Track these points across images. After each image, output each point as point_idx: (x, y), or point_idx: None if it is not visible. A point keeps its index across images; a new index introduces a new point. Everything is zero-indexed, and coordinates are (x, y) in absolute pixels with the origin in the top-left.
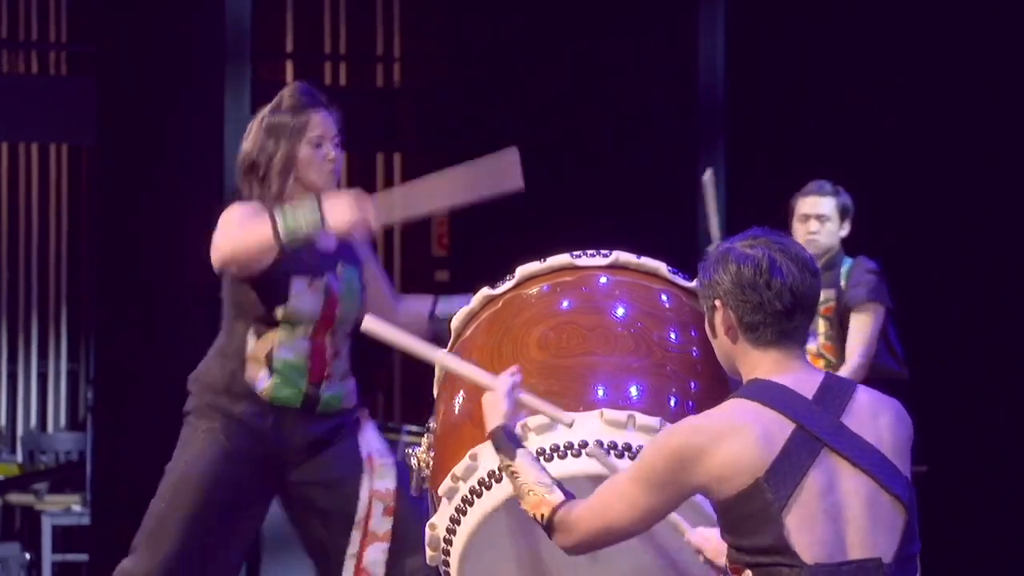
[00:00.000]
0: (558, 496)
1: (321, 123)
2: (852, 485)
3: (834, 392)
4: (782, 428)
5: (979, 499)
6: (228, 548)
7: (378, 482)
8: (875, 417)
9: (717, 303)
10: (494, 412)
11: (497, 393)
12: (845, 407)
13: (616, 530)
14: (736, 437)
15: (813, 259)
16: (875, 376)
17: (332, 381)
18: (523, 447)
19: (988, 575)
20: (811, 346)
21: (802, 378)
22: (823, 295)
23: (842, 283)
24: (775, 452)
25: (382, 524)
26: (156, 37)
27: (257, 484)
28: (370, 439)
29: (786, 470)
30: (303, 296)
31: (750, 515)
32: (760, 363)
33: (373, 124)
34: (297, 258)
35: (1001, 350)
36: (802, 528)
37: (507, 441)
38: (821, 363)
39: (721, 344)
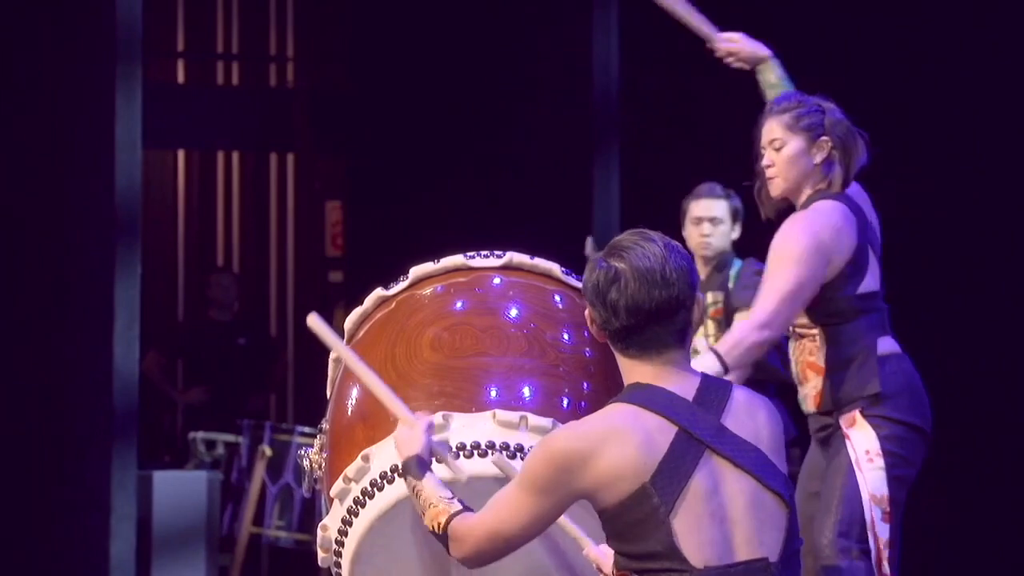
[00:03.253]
0: (456, 507)
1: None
2: (736, 486)
3: (712, 393)
4: (664, 432)
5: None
6: None
7: None
8: (752, 415)
9: (587, 308)
10: (410, 444)
11: (416, 430)
12: (724, 407)
13: (506, 536)
14: (619, 442)
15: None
16: (764, 377)
17: None
18: (431, 472)
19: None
20: (700, 349)
21: (681, 380)
22: (711, 297)
23: (730, 285)
24: (659, 456)
25: None
26: (46, 36)
27: None
28: None
29: (671, 473)
30: None
31: (637, 520)
32: (635, 369)
33: (266, 124)
34: None
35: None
36: (689, 531)
37: (418, 468)
38: None
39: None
